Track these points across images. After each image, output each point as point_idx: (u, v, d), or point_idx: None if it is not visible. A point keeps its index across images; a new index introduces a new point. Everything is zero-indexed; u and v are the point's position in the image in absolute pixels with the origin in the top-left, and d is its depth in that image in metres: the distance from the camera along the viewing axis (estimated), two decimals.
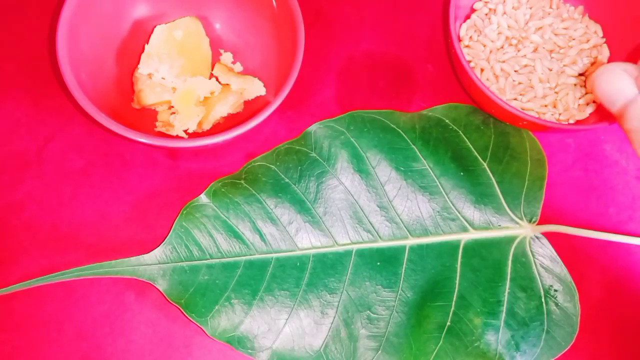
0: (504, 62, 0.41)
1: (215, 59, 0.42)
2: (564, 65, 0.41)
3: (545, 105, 0.40)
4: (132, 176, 0.41)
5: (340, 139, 0.40)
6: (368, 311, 0.38)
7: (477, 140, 0.40)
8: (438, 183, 0.40)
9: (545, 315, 0.38)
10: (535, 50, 0.41)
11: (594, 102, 0.41)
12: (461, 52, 0.38)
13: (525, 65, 0.41)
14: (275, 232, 0.38)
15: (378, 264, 0.38)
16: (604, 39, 0.42)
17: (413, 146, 0.40)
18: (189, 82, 0.40)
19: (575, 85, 0.41)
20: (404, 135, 0.40)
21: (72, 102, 0.41)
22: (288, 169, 0.39)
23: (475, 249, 0.39)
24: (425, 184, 0.39)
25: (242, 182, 0.39)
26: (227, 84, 0.40)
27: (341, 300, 0.38)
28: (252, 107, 0.41)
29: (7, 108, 0.41)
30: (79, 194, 0.40)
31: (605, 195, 0.42)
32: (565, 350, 0.37)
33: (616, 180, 0.42)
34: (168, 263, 0.38)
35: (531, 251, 0.39)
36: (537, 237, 0.39)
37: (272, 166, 0.39)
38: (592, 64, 0.41)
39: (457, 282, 0.38)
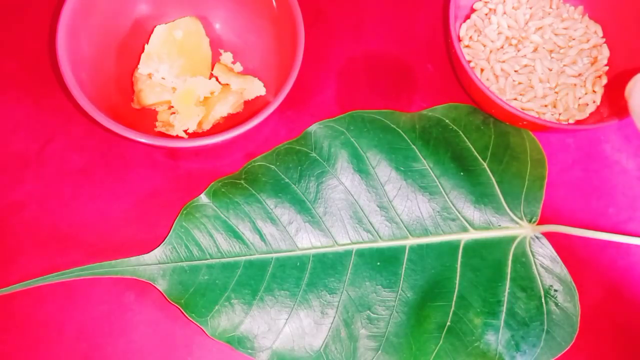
0: (504, 62, 0.41)
1: (215, 59, 0.42)
2: (564, 65, 0.41)
3: (545, 105, 0.40)
4: (132, 176, 0.41)
5: (340, 139, 0.40)
6: (368, 311, 0.38)
7: (477, 140, 0.40)
8: (438, 183, 0.40)
9: (545, 315, 0.38)
10: (535, 50, 0.41)
11: (593, 102, 0.41)
12: (461, 52, 0.38)
13: (525, 65, 0.41)
14: (275, 232, 0.38)
15: (378, 264, 0.38)
16: (604, 39, 0.42)
17: (413, 146, 0.40)
18: (189, 82, 0.40)
19: (575, 85, 0.41)
20: (404, 135, 0.40)
21: (72, 102, 0.41)
22: (288, 169, 0.39)
23: (475, 249, 0.39)
24: (425, 184, 0.39)
25: (242, 182, 0.39)
26: (227, 84, 0.40)
27: (341, 300, 0.38)
28: (252, 107, 0.41)
29: (7, 108, 0.41)
30: (79, 194, 0.40)
31: (605, 195, 0.42)
32: (565, 350, 0.37)
33: (616, 180, 0.42)
34: (168, 263, 0.38)
35: (531, 251, 0.39)
36: (537, 237, 0.39)
37: (272, 166, 0.39)
38: (592, 63, 0.41)
39: (457, 282, 0.38)
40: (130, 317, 0.38)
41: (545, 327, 0.37)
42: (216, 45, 0.42)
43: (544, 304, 0.38)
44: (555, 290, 0.38)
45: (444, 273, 0.38)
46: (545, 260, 0.38)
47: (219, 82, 0.41)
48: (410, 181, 0.40)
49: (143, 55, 0.40)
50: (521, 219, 0.39)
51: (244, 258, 0.38)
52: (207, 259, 0.38)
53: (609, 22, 0.42)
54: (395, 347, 0.37)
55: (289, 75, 0.36)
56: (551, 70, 0.41)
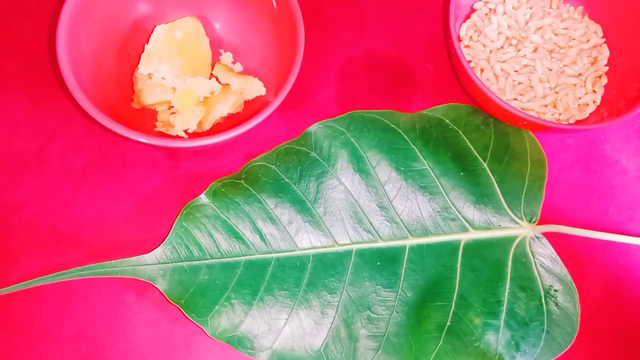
0: (504, 62, 0.41)
1: (215, 59, 0.42)
2: (564, 65, 0.41)
3: (545, 105, 0.40)
4: (132, 176, 0.41)
5: (340, 139, 0.40)
6: (368, 311, 0.38)
7: (477, 140, 0.40)
8: (438, 183, 0.40)
9: (545, 315, 0.38)
10: (535, 50, 0.41)
11: (593, 102, 0.41)
12: (461, 52, 0.38)
13: (525, 65, 0.41)
14: (275, 232, 0.38)
15: (378, 264, 0.38)
16: (604, 39, 0.42)
17: (413, 146, 0.40)
18: (189, 82, 0.40)
19: (575, 85, 0.41)
20: (404, 135, 0.40)
21: (72, 102, 0.41)
22: (288, 169, 0.39)
23: (476, 249, 0.39)
24: (425, 184, 0.39)
25: (242, 182, 0.39)
26: (227, 84, 0.40)
27: (341, 300, 0.38)
28: (252, 107, 0.41)
29: (7, 108, 0.41)
30: (79, 194, 0.40)
31: (605, 195, 0.42)
32: (565, 350, 0.37)
33: (616, 180, 0.42)
34: (168, 263, 0.38)
35: (531, 251, 0.39)
36: (537, 237, 0.39)
37: (272, 166, 0.39)
38: (592, 63, 0.41)
39: (457, 282, 0.38)
40: (130, 317, 0.38)
41: (545, 327, 0.37)
42: (216, 45, 0.42)
43: (544, 304, 0.38)
44: (555, 290, 0.38)
45: (444, 273, 0.38)
46: (545, 260, 0.38)
47: (219, 82, 0.41)
48: (410, 181, 0.40)
49: (143, 55, 0.40)
50: (521, 219, 0.39)
51: (244, 258, 0.38)
52: (207, 259, 0.38)
53: (609, 22, 0.42)
54: (395, 347, 0.37)
55: (289, 75, 0.36)
56: (551, 70, 0.41)
